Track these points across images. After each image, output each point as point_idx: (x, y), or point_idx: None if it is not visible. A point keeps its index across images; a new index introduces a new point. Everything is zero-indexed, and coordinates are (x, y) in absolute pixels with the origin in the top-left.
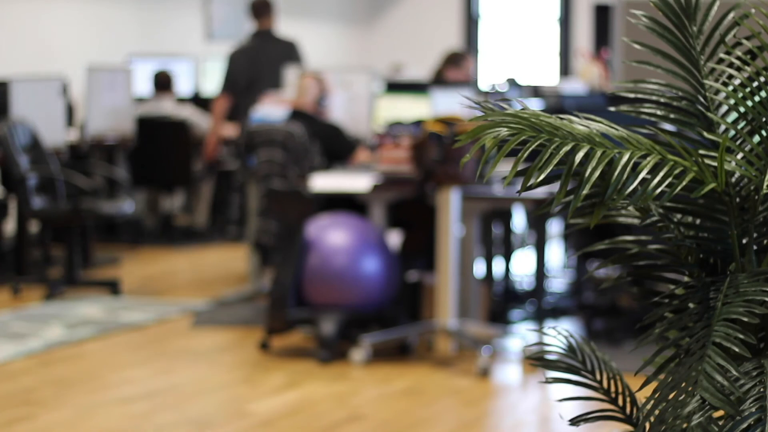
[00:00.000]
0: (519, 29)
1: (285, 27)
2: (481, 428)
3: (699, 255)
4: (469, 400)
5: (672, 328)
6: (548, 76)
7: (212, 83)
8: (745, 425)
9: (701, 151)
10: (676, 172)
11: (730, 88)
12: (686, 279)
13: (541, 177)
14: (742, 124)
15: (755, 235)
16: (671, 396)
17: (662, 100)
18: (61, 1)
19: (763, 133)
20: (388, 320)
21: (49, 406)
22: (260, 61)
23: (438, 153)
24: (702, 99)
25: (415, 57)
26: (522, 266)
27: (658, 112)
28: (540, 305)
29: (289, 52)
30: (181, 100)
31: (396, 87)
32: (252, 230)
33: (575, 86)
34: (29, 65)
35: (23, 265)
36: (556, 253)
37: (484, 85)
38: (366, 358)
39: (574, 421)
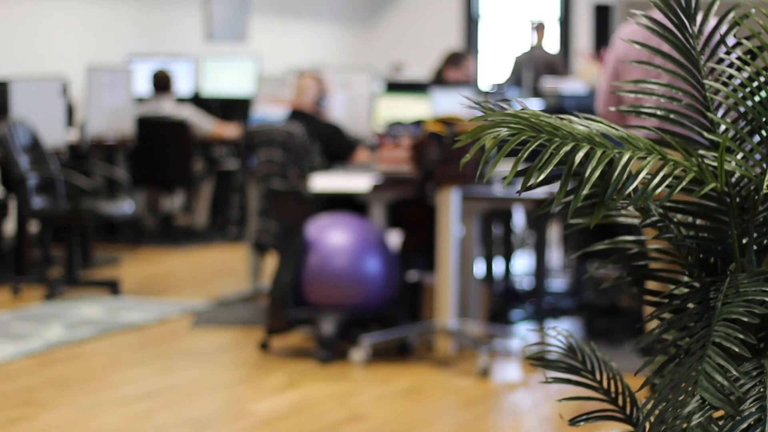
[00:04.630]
0: (519, 29)
1: (286, 27)
2: (481, 428)
3: (699, 255)
4: (469, 400)
5: (672, 328)
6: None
7: (212, 83)
8: (745, 425)
9: (701, 151)
10: (676, 172)
11: (730, 88)
12: (686, 279)
13: (541, 177)
14: (742, 124)
15: (755, 235)
16: (671, 396)
17: (662, 100)
18: (61, 1)
19: (763, 133)
20: (388, 320)
21: (49, 406)
22: (536, 66)
23: (438, 153)
24: (702, 99)
25: (415, 57)
26: (522, 266)
27: (658, 112)
28: (540, 305)
29: (555, 62)
30: (181, 100)
31: (396, 87)
32: (252, 230)
33: (575, 86)
34: (29, 65)
35: (23, 265)
36: (556, 252)
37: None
38: (366, 358)
39: (574, 421)
